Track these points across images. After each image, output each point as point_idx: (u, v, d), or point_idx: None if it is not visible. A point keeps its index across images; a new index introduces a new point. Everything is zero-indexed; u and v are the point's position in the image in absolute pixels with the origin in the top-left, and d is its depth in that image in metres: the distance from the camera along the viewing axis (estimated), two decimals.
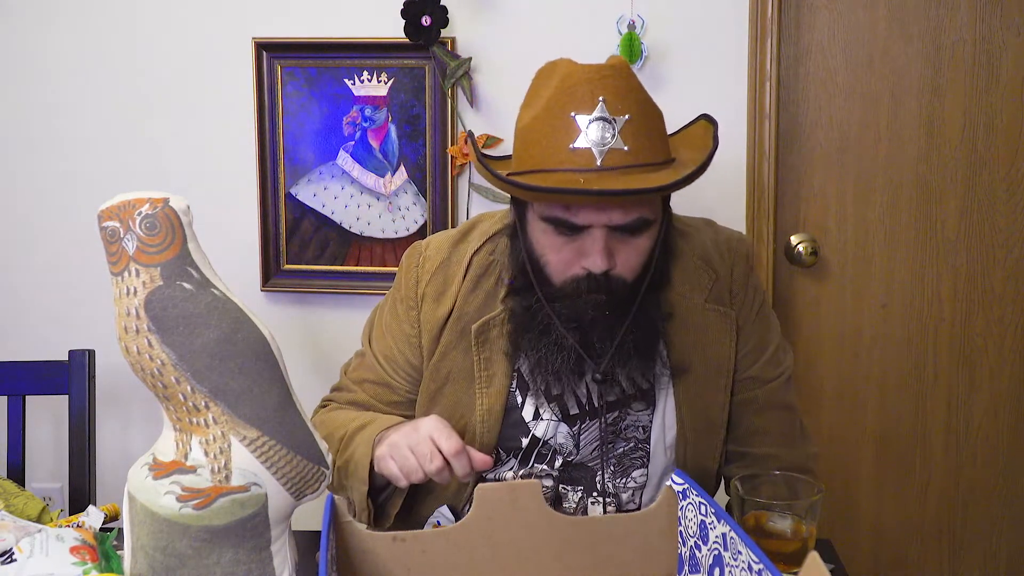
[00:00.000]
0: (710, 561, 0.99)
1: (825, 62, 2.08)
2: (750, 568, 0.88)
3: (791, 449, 1.41)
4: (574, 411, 1.32)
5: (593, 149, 1.14)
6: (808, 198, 2.13)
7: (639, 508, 1.35)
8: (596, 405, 1.31)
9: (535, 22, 2.08)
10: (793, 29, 2.07)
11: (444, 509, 1.37)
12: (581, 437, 1.32)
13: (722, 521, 0.96)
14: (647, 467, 1.34)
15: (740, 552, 0.91)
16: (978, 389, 2.15)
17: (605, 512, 1.32)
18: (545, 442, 1.32)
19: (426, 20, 2.00)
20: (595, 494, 1.33)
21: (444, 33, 2.03)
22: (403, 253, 1.43)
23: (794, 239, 2.13)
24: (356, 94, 2.12)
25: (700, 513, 1.02)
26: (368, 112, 2.13)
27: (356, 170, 2.15)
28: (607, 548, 1.09)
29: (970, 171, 2.08)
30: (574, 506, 1.34)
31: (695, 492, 1.04)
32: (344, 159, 2.15)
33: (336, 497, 1.04)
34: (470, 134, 1.31)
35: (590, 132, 1.14)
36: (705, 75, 2.06)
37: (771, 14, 2.01)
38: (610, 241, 1.18)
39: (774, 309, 2.13)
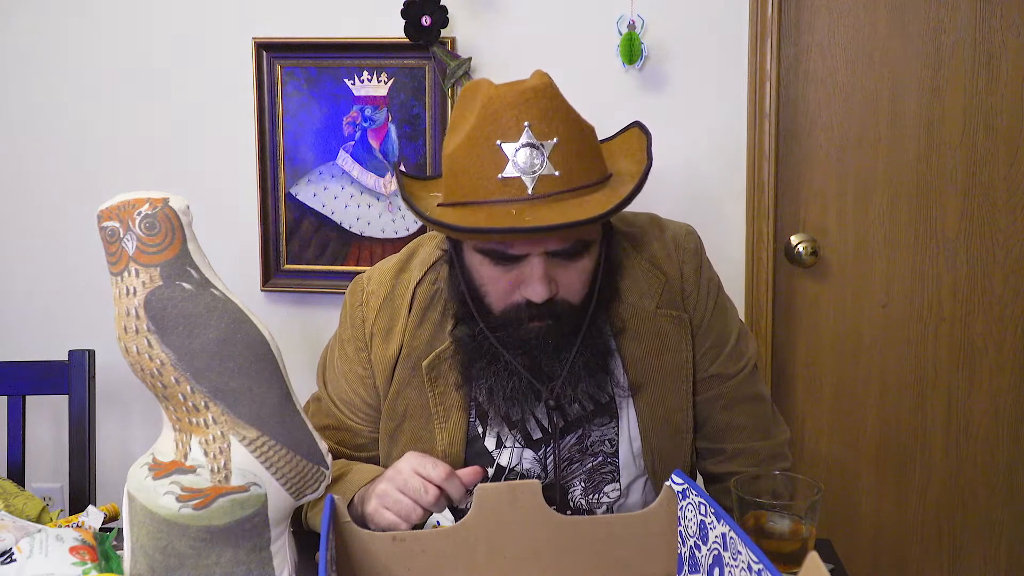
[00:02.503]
0: (710, 561, 0.99)
1: (825, 62, 2.08)
2: (750, 568, 0.88)
3: (764, 440, 1.39)
4: (537, 435, 1.30)
5: (523, 177, 1.10)
6: (808, 198, 2.13)
7: None
8: (552, 430, 1.28)
9: (535, 22, 2.08)
10: (793, 29, 2.07)
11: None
12: (548, 461, 1.29)
13: (722, 521, 0.96)
14: (619, 482, 1.33)
15: (740, 552, 0.91)
16: (978, 389, 2.15)
17: None
18: (511, 469, 1.30)
19: (426, 20, 2.00)
20: (568, 512, 1.30)
21: (444, 33, 2.03)
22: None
23: (794, 239, 2.13)
24: (356, 94, 2.12)
25: (700, 513, 1.02)
26: (368, 112, 2.13)
27: (356, 170, 2.15)
28: (607, 548, 1.09)
29: (970, 171, 2.08)
30: None
31: (695, 492, 1.04)
32: (344, 159, 2.15)
33: (336, 497, 1.04)
34: (396, 169, 1.27)
35: (518, 159, 1.10)
36: (705, 75, 2.06)
37: (771, 14, 2.01)
38: (550, 267, 1.15)
39: (774, 309, 2.14)
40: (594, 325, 1.22)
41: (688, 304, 1.32)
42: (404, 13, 2.00)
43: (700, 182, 2.10)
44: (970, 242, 2.10)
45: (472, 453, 1.30)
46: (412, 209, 1.18)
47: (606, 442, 1.31)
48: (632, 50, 2.01)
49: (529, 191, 1.10)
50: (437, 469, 1.16)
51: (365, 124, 2.13)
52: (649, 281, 1.30)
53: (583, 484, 1.31)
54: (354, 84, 2.12)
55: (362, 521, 1.18)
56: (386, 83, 2.11)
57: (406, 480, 1.16)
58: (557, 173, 1.10)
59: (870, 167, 2.10)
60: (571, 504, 1.31)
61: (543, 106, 1.12)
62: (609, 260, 1.25)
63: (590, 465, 1.31)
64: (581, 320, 1.21)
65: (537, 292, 1.14)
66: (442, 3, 2.01)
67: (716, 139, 2.09)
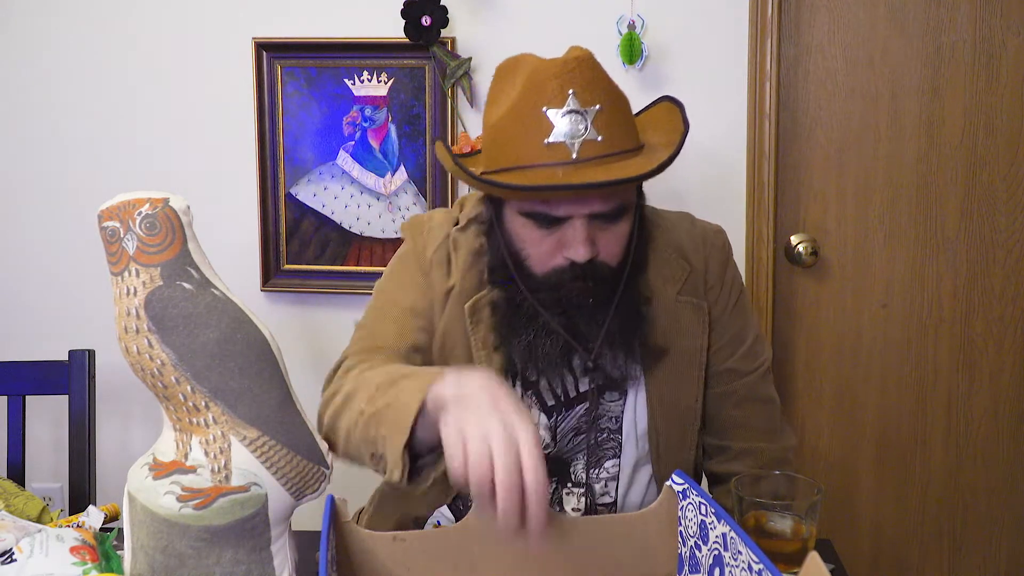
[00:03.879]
0: (710, 561, 0.99)
1: (825, 62, 2.08)
2: (750, 568, 0.88)
3: (771, 442, 1.41)
4: (551, 402, 1.32)
5: (567, 142, 1.15)
6: (808, 198, 2.13)
7: (614, 500, 1.35)
8: (584, 390, 1.30)
9: (535, 22, 2.08)
10: (793, 29, 2.07)
11: (444, 509, 1.37)
12: (558, 429, 1.32)
13: (722, 521, 0.96)
14: (619, 457, 1.35)
15: (740, 552, 0.91)
16: (978, 389, 2.15)
17: (576, 506, 1.32)
18: None
19: (426, 20, 2.00)
20: (569, 485, 1.33)
21: (444, 33, 2.03)
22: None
23: (794, 239, 2.13)
24: (356, 94, 2.12)
25: (700, 513, 1.02)
26: (368, 112, 2.13)
27: (356, 170, 2.15)
28: (607, 548, 1.09)
29: (970, 171, 2.08)
30: (548, 497, 1.33)
31: (695, 492, 1.04)
32: (344, 159, 2.15)
33: (336, 497, 1.04)
34: (439, 141, 1.30)
35: (562, 126, 1.15)
36: (705, 75, 2.06)
37: (771, 14, 2.01)
38: (591, 229, 1.19)
39: (774, 309, 2.14)
40: (628, 291, 1.26)
41: (710, 296, 1.36)
42: (404, 13, 2.00)
43: (700, 182, 2.10)
44: (970, 242, 2.10)
45: None
46: (466, 173, 1.20)
47: (612, 418, 1.33)
48: (632, 50, 2.01)
49: (573, 155, 1.14)
50: (528, 439, 0.91)
51: (365, 124, 2.13)
52: (673, 268, 1.34)
53: (585, 458, 1.33)
54: (354, 84, 2.12)
55: (432, 428, 0.99)
56: (386, 83, 2.11)
57: (489, 430, 0.91)
58: (600, 138, 1.15)
59: (870, 167, 2.10)
60: (572, 477, 1.33)
61: (586, 75, 1.16)
62: (641, 229, 1.29)
63: (594, 440, 1.33)
64: (617, 285, 1.24)
65: (580, 253, 1.18)
66: (442, 3, 2.01)
67: (716, 139, 2.09)
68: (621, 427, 1.34)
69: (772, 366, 1.45)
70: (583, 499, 1.33)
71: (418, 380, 1.04)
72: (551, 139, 1.15)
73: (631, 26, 2.02)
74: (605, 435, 1.34)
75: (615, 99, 1.19)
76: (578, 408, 1.32)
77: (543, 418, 1.32)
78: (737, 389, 1.39)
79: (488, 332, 1.29)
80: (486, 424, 0.91)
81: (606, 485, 1.35)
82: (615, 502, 1.35)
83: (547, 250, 1.21)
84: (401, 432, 1.01)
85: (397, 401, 1.04)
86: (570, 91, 1.15)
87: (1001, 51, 2.04)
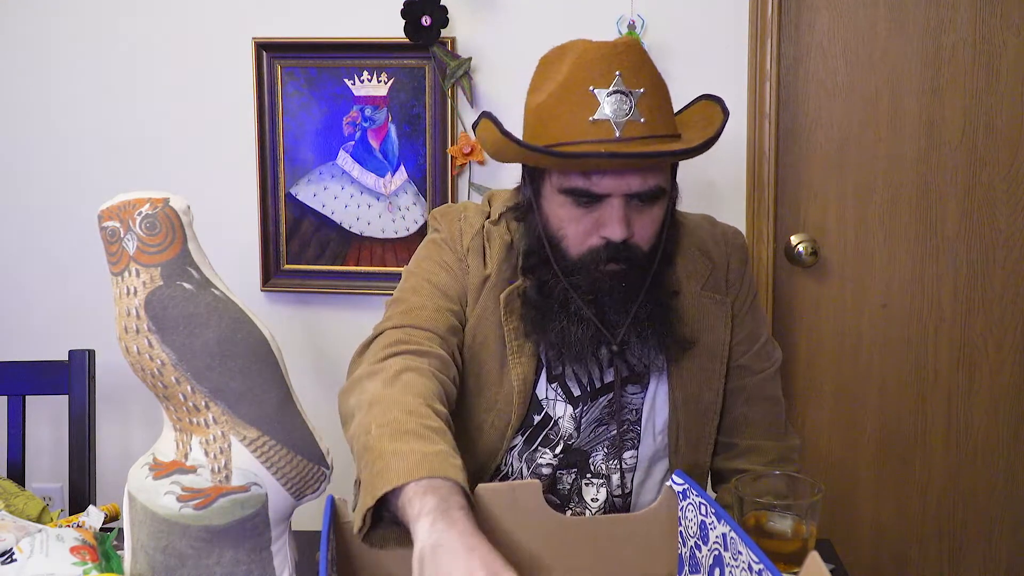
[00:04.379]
0: (710, 561, 0.99)
1: (825, 62, 2.08)
2: (750, 568, 0.88)
3: (777, 441, 1.43)
4: (577, 392, 1.34)
5: (612, 121, 1.18)
6: (808, 198, 2.13)
7: (630, 491, 1.38)
8: (609, 381, 1.32)
9: (535, 22, 2.08)
10: (793, 29, 2.07)
11: None
12: (582, 420, 1.34)
13: (722, 521, 0.96)
14: (637, 449, 1.36)
15: (740, 552, 0.91)
16: (978, 389, 2.15)
17: (595, 496, 1.35)
18: (555, 422, 1.34)
19: (426, 20, 2.00)
20: (589, 475, 1.35)
21: (444, 33, 2.03)
22: (408, 248, 1.41)
23: (794, 239, 2.13)
24: (356, 94, 2.12)
25: (700, 513, 1.02)
26: (368, 112, 2.13)
27: (356, 170, 2.15)
28: (607, 548, 1.09)
29: (970, 171, 2.08)
30: (568, 487, 1.36)
31: (695, 492, 1.04)
32: (344, 159, 2.15)
33: (336, 497, 1.04)
34: (489, 115, 1.29)
35: (608, 105, 1.18)
36: (705, 75, 2.06)
37: (771, 14, 2.01)
38: (627, 210, 1.21)
39: (774, 309, 2.14)
40: (657, 281, 1.29)
41: (731, 292, 1.40)
42: (404, 13, 2.00)
43: (700, 182, 2.10)
44: (970, 242, 2.10)
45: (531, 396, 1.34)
46: (514, 141, 1.22)
47: (632, 411, 1.36)
48: None
49: (617, 134, 1.18)
50: None
51: (365, 124, 2.13)
52: (696, 265, 1.37)
53: (605, 449, 1.35)
54: (354, 84, 2.12)
55: (394, 519, 0.99)
56: (386, 83, 2.11)
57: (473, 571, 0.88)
58: (643, 120, 1.18)
59: (870, 167, 2.10)
60: (591, 468, 1.35)
61: (633, 59, 1.20)
62: (673, 219, 1.32)
63: (615, 432, 1.35)
64: (648, 272, 1.27)
65: (617, 232, 1.21)
66: (442, 3, 2.01)
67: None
68: (640, 419, 1.36)
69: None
70: (602, 489, 1.35)
71: (414, 459, 0.98)
72: (596, 116, 1.18)
73: (631, 26, 2.02)
74: (626, 427, 1.35)
75: (659, 86, 1.22)
76: (602, 399, 1.34)
77: (568, 408, 1.34)
78: (747, 386, 1.41)
79: (519, 321, 1.31)
80: (471, 567, 0.87)
81: (623, 476, 1.37)
82: (631, 492, 1.37)
83: (584, 229, 1.23)
84: (372, 496, 0.97)
85: (386, 467, 0.98)
86: (617, 72, 1.18)
87: (1001, 51, 2.04)
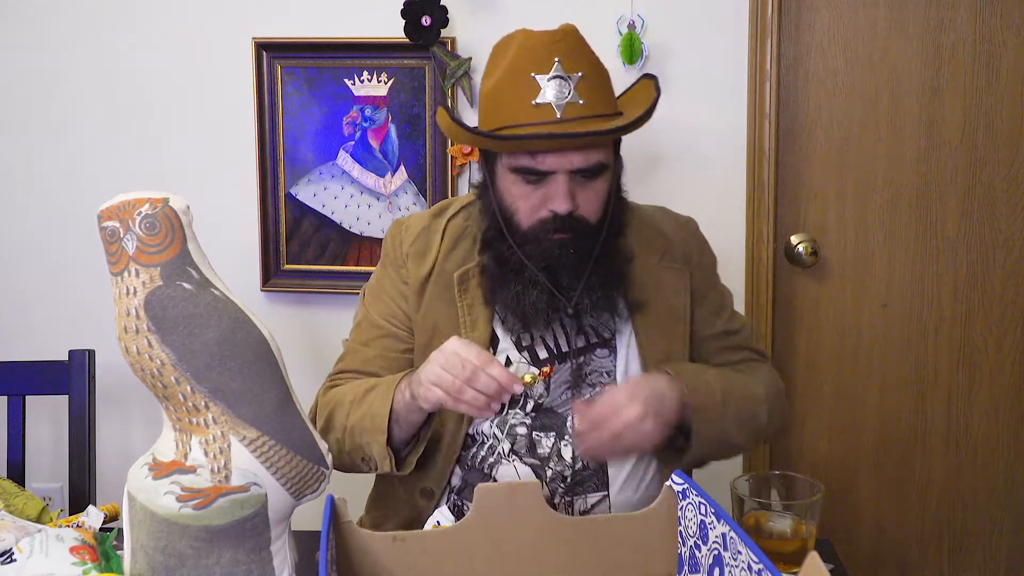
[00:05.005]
0: (710, 561, 0.99)
1: (825, 62, 2.08)
2: (750, 568, 0.88)
3: (769, 370, 1.54)
4: (544, 355, 1.41)
5: (553, 104, 1.29)
6: (808, 198, 2.13)
7: None
8: (567, 347, 1.41)
9: (535, 22, 2.05)
10: (793, 29, 2.07)
11: (444, 509, 1.37)
12: (551, 379, 1.40)
13: (722, 521, 0.96)
14: None
15: (740, 552, 0.91)
16: (978, 389, 2.15)
17: (576, 454, 1.39)
18: None
19: (426, 20, 2.00)
20: (567, 437, 1.39)
21: (444, 33, 2.03)
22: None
23: (794, 239, 2.13)
24: (356, 94, 2.12)
25: (700, 513, 1.02)
26: (368, 112, 2.13)
27: (356, 170, 2.15)
28: (607, 548, 1.09)
29: (970, 171, 2.08)
30: (548, 451, 1.40)
31: (695, 492, 1.04)
32: (344, 159, 2.15)
33: (336, 497, 1.04)
34: (443, 104, 1.45)
35: (549, 89, 1.29)
36: (705, 75, 2.06)
37: (771, 14, 2.01)
38: (572, 185, 1.32)
39: (774, 309, 2.14)
40: (607, 248, 1.38)
41: (690, 265, 1.49)
42: (404, 13, 2.00)
43: (700, 182, 2.10)
44: (970, 242, 2.10)
45: None
46: (464, 128, 1.36)
47: (604, 373, 1.42)
48: (632, 50, 2.01)
49: (558, 116, 1.29)
50: (481, 356, 1.24)
51: (365, 124, 2.13)
52: (653, 242, 1.47)
53: None
54: (354, 84, 2.12)
55: (413, 406, 1.30)
56: (386, 83, 2.11)
57: (447, 359, 1.24)
58: (582, 101, 1.30)
59: (870, 167, 2.10)
60: (569, 431, 1.39)
61: (571, 46, 1.33)
62: (619, 192, 1.42)
63: (588, 395, 1.41)
64: (596, 241, 1.36)
65: (562, 205, 1.31)
66: (442, 3, 2.01)
67: (716, 139, 2.09)
68: (615, 381, 1.42)
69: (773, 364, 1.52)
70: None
71: (384, 388, 1.34)
72: (538, 100, 1.29)
73: (631, 26, 2.02)
74: (598, 390, 1.41)
75: (596, 69, 1.34)
76: (568, 363, 1.41)
77: (534, 369, 1.41)
78: (735, 343, 1.52)
79: (478, 291, 1.41)
80: (445, 349, 1.24)
81: None
82: None
83: (533, 204, 1.34)
84: (380, 434, 1.32)
85: (371, 411, 1.33)
86: (556, 59, 1.30)
87: (1001, 51, 2.04)
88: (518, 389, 1.24)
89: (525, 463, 1.39)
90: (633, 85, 1.46)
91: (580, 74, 1.30)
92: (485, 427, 1.41)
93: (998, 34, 2.03)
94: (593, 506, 1.40)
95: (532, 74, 1.30)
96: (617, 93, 1.42)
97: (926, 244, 2.12)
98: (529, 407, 1.40)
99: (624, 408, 1.25)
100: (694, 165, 2.10)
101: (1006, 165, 2.07)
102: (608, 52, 2.04)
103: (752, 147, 2.07)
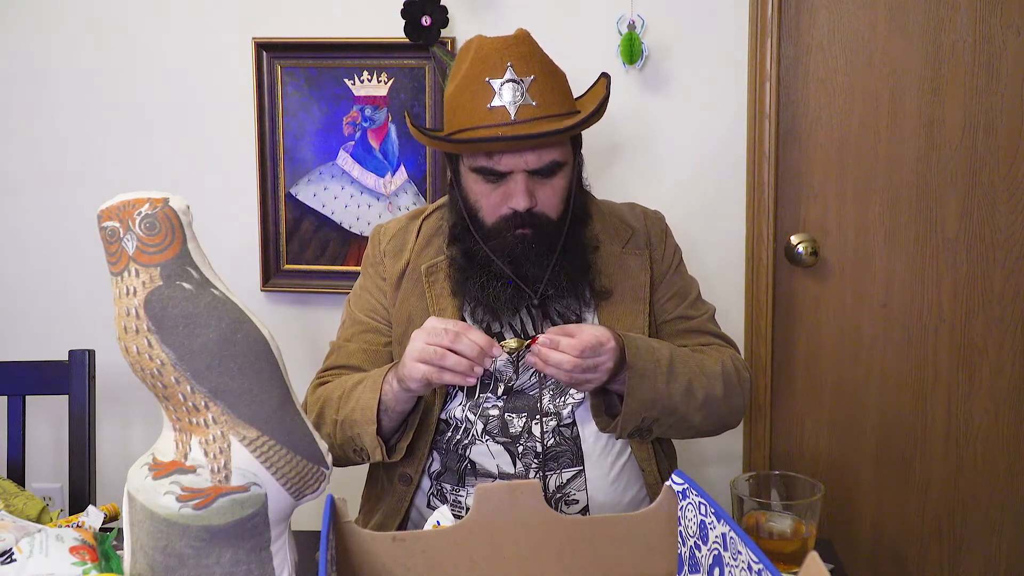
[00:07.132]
0: (710, 561, 0.99)
1: (825, 62, 2.08)
2: (750, 568, 0.88)
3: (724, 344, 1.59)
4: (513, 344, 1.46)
5: (507, 107, 1.36)
6: (808, 198, 2.13)
7: (573, 421, 1.46)
8: (535, 332, 1.45)
9: (535, 22, 2.06)
10: (793, 29, 2.07)
11: (444, 509, 1.37)
12: (520, 363, 1.46)
13: (722, 521, 0.96)
14: None
15: (740, 552, 0.91)
16: (978, 389, 2.15)
17: (545, 430, 1.44)
18: (486, 370, 1.41)
19: (426, 20, 2.00)
20: (537, 416, 1.45)
21: (444, 33, 2.03)
22: None
23: (794, 239, 2.13)
24: (356, 94, 2.12)
25: (700, 513, 1.02)
26: (368, 112, 2.13)
27: (356, 170, 2.15)
28: (607, 548, 1.09)
29: (970, 171, 2.08)
30: (519, 430, 1.45)
31: (695, 492, 1.04)
32: (344, 159, 2.15)
33: (336, 497, 1.04)
34: (410, 113, 1.54)
35: (503, 93, 1.36)
36: (705, 75, 2.06)
37: (771, 14, 2.01)
38: (530, 183, 1.39)
39: (774, 309, 2.14)
40: (570, 240, 1.45)
41: (653, 252, 1.56)
42: (404, 13, 2.00)
43: (700, 182, 2.10)
44: (970, 242, 2.10)
45: None
46: (424, 133, 1.44)
47: None
48: (632, 50, 2.02)
49: (512, 117, 1.36)
50: (455, 322, 1.31)
51: (365, 124, 2.13)
52: (618, 232, 1.55)
53: (551, 392, 1.47)
54: (354, 84, 2.12)
55: (400, 394, 1.36)
56: (386, 83, 2.11)
57: (428, 332, 1.30)
58: (534, 103, 1.36)
59: (870, 167, 2.10)
60: (540, 409, 1.45)
61: (523, 50, 1.39)
62: (580, 187, 1.49)
63: (552, 379, 1.45)
64: (558, 234, 1.43)
65: (520, 203, 1.39)
66: (442, 3, 2.01)
67: (716, 139, 2.09)
68: None
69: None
70: (550, 423, 1.45)
71: (371, 381, 1.39)
72: (493, 103, 1.36)
73: (631, 26, 2.02)
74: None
75: (550, 71, 1.40)
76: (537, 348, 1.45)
77: (503, 355, 1.45)
78: (692, 327, 1.57)
79: (446, 283, 1.48)
80: (425, 326, 1.30)
81: (572, 411, 1.47)
82: (574, 422, 1.46)
83: (495, 202, 1.41)
84: (370, 424, 1.37)
85: (360, 403, 1.39)
86: (508, 63, 1.36)
87: (1001, 51, 2.04)
88: (497, 352, 1.29)
89: (498, 442, 1.44)
90: (593, 85, 1.52)
91: (532, 77, 1.36)
92: (458, 412, 1.46)
93: (998, 34, 2.03)
94: (568, 480, 1.44)
95: (487, 78, 1.36)
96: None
97: (926, 244, 2.12)
98: (500, 391, 1.46)
99: (582, 332, 1.31)
100: (694, 165, 2.10)
101: (1006, 165, 2.07)
102: (608, 52, 2.04)
103: (752, 147, 2.07)
